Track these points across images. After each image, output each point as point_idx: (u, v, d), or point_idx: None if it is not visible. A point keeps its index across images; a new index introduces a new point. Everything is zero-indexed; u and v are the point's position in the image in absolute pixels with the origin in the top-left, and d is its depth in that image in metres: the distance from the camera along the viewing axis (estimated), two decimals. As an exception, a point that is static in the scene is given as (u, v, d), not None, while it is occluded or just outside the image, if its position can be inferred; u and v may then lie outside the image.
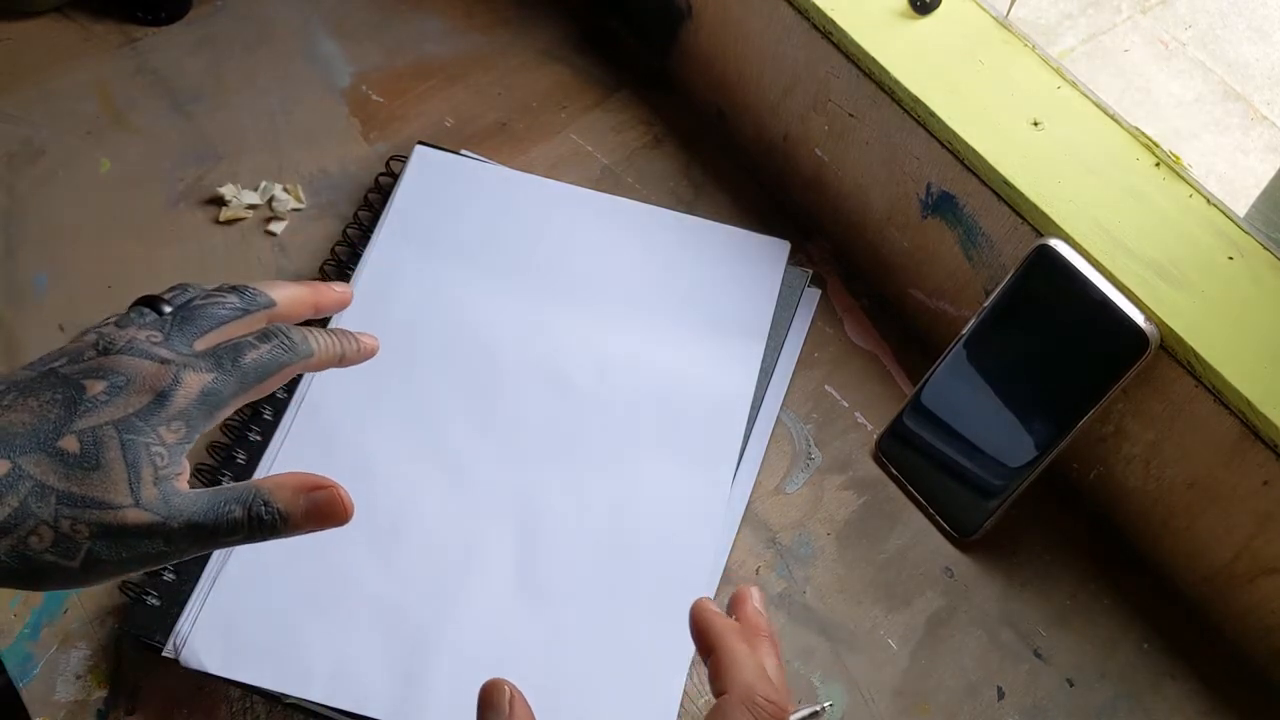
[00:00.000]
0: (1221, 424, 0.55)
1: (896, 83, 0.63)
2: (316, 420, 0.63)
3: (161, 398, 0.40)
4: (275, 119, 0.78)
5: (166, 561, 0.40)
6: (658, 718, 0.57)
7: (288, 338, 0.44)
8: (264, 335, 0.44)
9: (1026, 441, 0.61)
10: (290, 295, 0.47)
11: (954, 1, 0.66)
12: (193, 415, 0.41)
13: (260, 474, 0.61)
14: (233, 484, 0.41)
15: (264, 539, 0.41)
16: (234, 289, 0.46)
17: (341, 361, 0.47)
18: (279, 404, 0.64)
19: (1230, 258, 0.58)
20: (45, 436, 0.39)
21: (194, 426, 0.41)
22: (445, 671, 0.57)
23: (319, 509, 0.42)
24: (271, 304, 0.46)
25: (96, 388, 0.40)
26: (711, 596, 0.61)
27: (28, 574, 0.38)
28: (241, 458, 0.62)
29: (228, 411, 0.42)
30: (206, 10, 0.84)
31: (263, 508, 0.41)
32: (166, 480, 0.40)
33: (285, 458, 0.62)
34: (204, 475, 0.61)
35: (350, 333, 0.47)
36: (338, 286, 0.49)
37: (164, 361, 0.41)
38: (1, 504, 0.37)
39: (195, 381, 0.41)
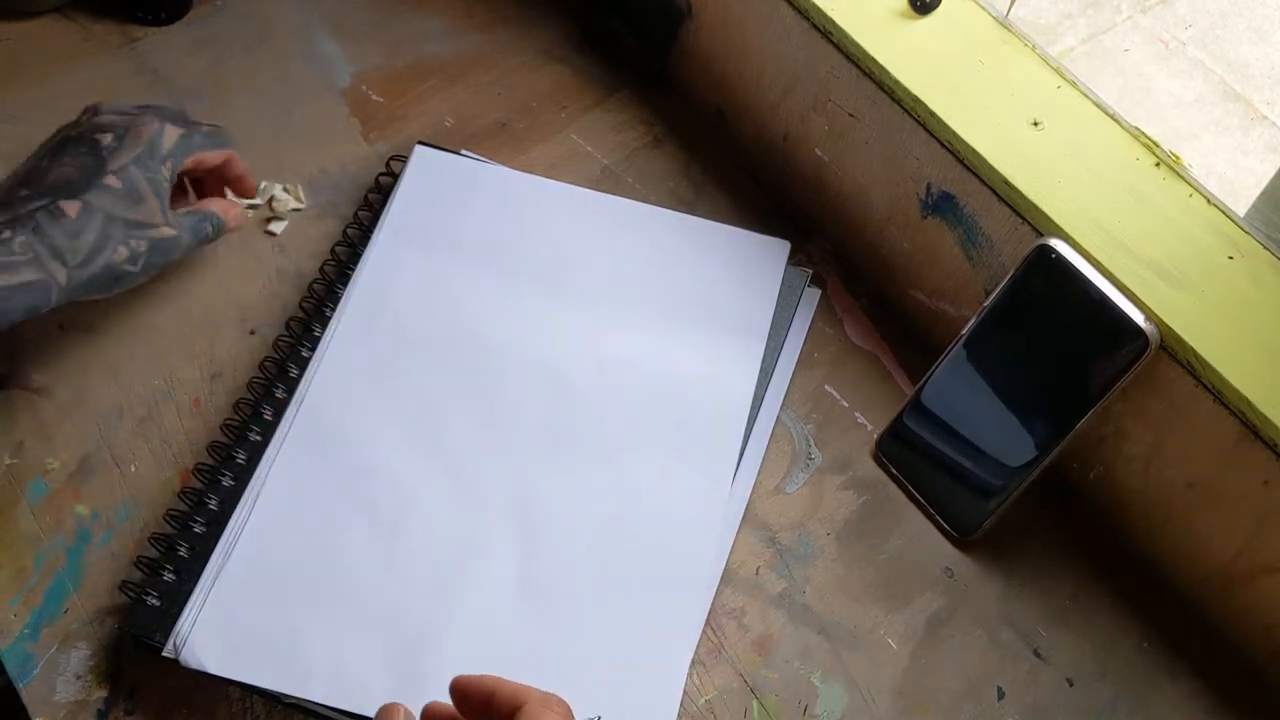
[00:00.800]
0: (1221, 424, 0.55)
1: (896, 83, 0.63)
2: (316, 420, 0.63)
3: (153, 142, 0.60)
4: (275, 119, 0.78)
5: (168, 259, 0.61)
6: (658, 718, 0.57)
7: (221, 131, 0.65)
8: (210, 128, 0.64)
9: (1026, 441, 0.61)
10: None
11: (954, 1, 0.66)
12: (177, 156, 0.61)
13: (260, 474, 0.61)
14: (199, 210, 0.63)
15: (217, 236, 0.64)
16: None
17: (245, 178, 0.68)
18: (279, 404, 0.64)
19: (1230, 258, 0.58)
20: (93, 177, 0.57)
21: (177, 166, 0.61)
22: (445, 671, 0.56)
23: (241, 219, 0.68)
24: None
25: (106, 139, 0.59)
26: (711, 596, 0.61)
27: (111, 280, 0.58)
28: (241, 458, 0.62)
29: (188, 165, 0.62)
30: (206, 10, 0.84)
31: (215, 218, 0.64)
32: (169, 207, 0.60)
33: (285, 458, 0.62)
34: (204, 475, 0.61)
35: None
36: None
37: (142, 111, 0.61)
38: (88, 230, 0.56)
39: (173, 131, 0.61)
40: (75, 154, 0.58)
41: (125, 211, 0.57)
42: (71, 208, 0.56)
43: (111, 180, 0.57)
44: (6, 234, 0.54)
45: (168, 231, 0.60)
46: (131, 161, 0.58)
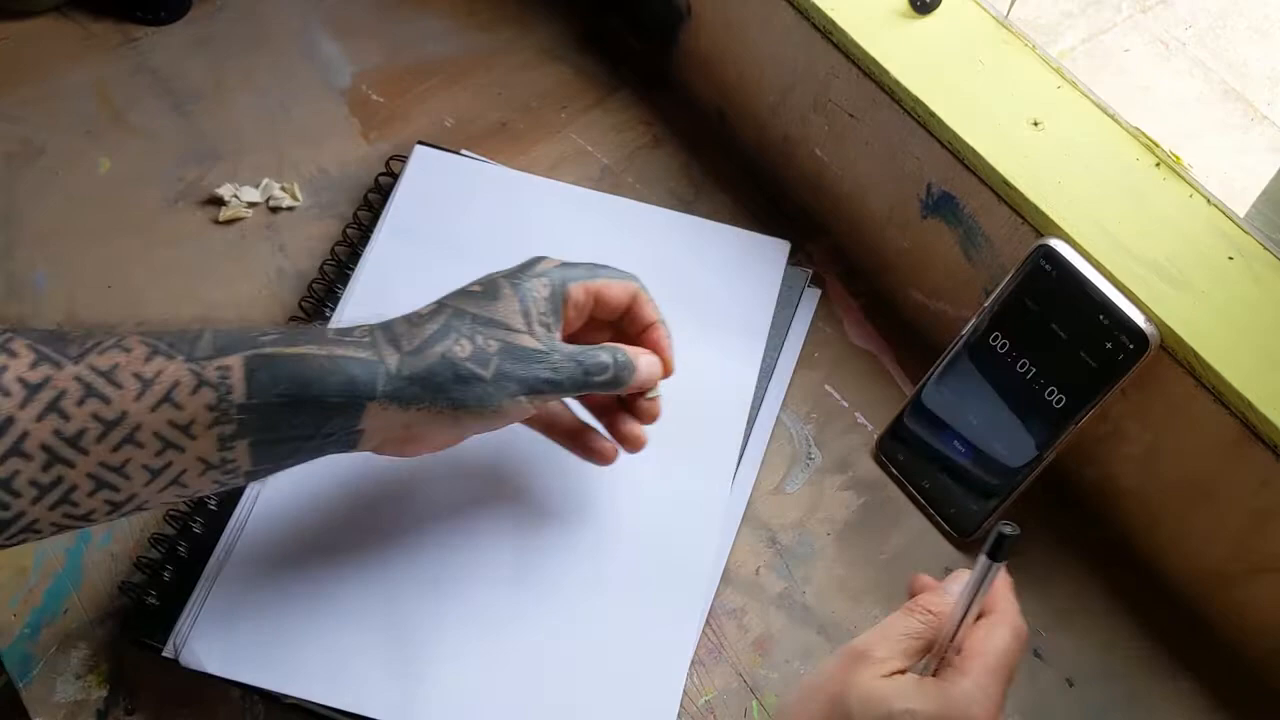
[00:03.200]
0: (1221, 424, 0.55)
1: (896, 83, 0.63)
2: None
3: (531, 261, 0.54)
4: (275, 119, 0.78)
5: (548, 390, 0.51)
6: (658, 718, 0.57)
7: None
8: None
9: (1026, 441, 0.61)
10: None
11: (954, 1, 0.66)
12: (555, 278, 0.53)
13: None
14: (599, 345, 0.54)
15: (616, 386, 0.53)
16: None
17: (653, 330, 0.57)
18: (279, 404, 0.64)
19: (1230, 258, 0.58)
20: (460, 288, 0.53)
21: (555, 293, 0.52)
22: (445, 671, 0.57)
23: (654, 370, 0.55)
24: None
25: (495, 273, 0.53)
26: (711, 596, 0.61)
27: (454, 379, 0.49)
28: (241, 458, 0.62)
29: (579, 298, 0.53)
30: (206, 10, 0.84)
31: (621, 355, 0.53)
32: (548, 328, 0.52)
33: (285, 458, 0.62)
34: (204, 475, 0.61)
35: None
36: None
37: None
38: (434, 320, 0.50)
39: (553, 260, 0.54)
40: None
41: (476, 307, 0.51)
42: (428, 307, 0.52)
43: (474, 286, 0.53)
44: (360, 330, 0.50)
45: (528, 341, 0.51)
46: (501, 274, 0.53)
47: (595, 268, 0.54)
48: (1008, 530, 0.43)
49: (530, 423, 0.57)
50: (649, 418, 0.57)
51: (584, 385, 0.52)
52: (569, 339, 0.54)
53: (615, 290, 0.55)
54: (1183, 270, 0.57)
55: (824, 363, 0.71)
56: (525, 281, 0.52)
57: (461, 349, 0.49)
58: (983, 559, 0.44)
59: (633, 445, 0.57)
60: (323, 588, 0.59)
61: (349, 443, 0.49)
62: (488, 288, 0.52)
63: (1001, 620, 0.46)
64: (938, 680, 0.44)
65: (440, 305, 0.51)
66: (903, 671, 0.44)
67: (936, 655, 0.46)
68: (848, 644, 0.45)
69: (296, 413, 0.46)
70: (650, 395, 0.57)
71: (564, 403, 0.58)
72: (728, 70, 0.77)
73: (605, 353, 0.53)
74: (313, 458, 0.48)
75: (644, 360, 0.54)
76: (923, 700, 0.42)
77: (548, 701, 0.57)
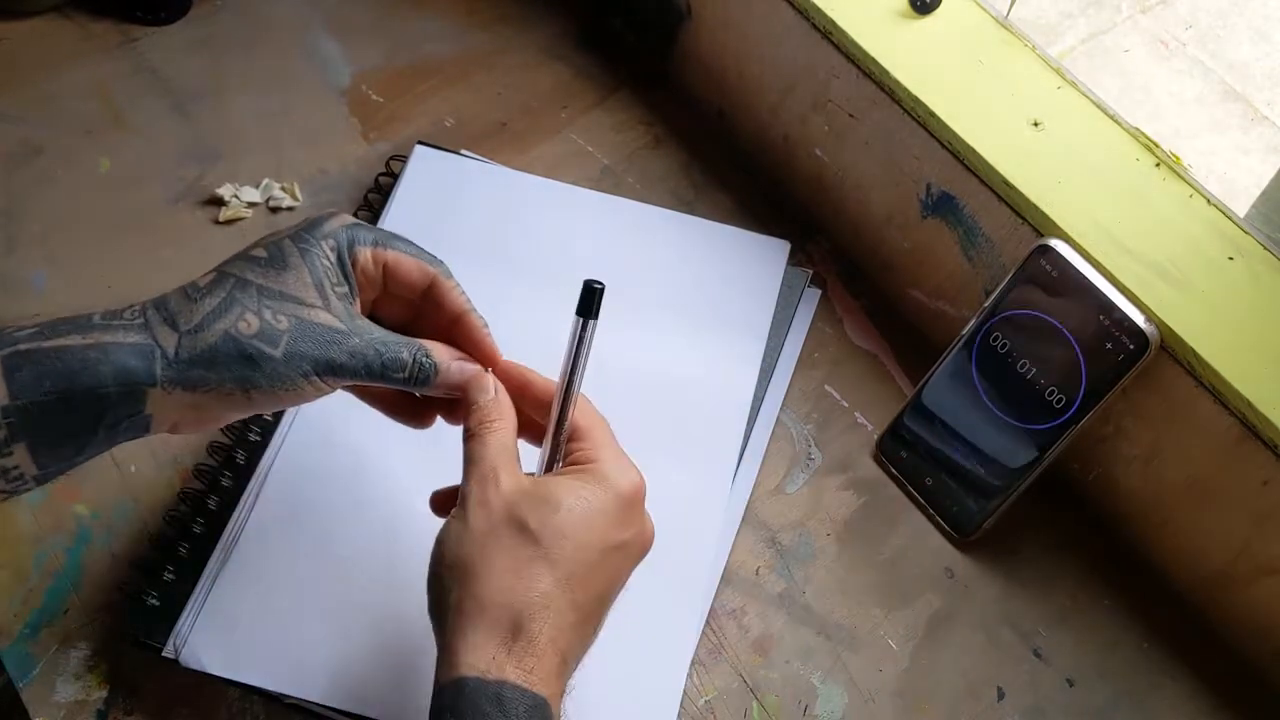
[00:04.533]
0: (1221, 424, 0.55)
1: (896, 83, 0.63)
2: (316, 421, 0.63)
3: (315, 220, 0.48)
4: (275, 119, 0.78)
5: (344, 375, 0.46)
6: (658, 718, 0.57)
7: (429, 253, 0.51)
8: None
9: (1026, 441, 0.61)
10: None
11: (954, 1, 0.66)
12: (341, 239, 0.47)
13: (259, 474, 0.61)
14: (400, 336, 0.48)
15: (415, 387, 0.48)
16: None
17: (464, 319, 0.51)
18: (279, 404, 0.64)
19: (1230, 258, 0.58)
20: (241, 251, 0.47)
21: (342, 256, 0.47)
22: (445, 671, 0.57)
23: (465, 380, 0.50)
24: None
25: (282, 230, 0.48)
26: (711, 596, 0.61)
27: (240, 359, 0.44)
28: (241, 457, 0.62)
29: (366, 264, 0.48)
30: (206, 10, 0.84)
31: (424, 361, 0.48)
32: (344, 298, 0.47)
33: (285, 458, 0.62)
34: (204, 475, 0.61)
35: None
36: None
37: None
38: (213, 295, 0.45)
39: (349, 218, 0.49)
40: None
41: (262, 277, 0.45)
42: (205, 277, 0.46)
43: (256, 250, 0.47)
44: (129, 311, 0.45)
45: (325, 317, 0.46)
46: (285, 234, 0.47)
47: (392, 237, 0.49)
48: (598, 285, 0.46)
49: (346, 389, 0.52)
50: (453, 417, 0.52)
51: (380, 378, 0.47)
52: (374, 307, 0.50)
53: (408, 266, 0.49)
54: (1183, 270, 0.57)
55: (824, 363, 0.71)
56: (313, 246, 0.47)
57: (247, 325, 0.44)
58: (574, 319, 0.46)
59: (418, 421, 0.53)
60: (323, 588, 0.58)
61: (140, 429, 0.45)
62: (273, 253, 0.46)
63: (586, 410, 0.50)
64: (580, 467, 0.48)
65: (221, 274, 0.46)
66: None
67: (551, 440, 0.49)
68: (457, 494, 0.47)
69: (70, 409, 0.42)
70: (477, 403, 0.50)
71: None
72: (728, 70, 0.77)
73: (407, 350, 0.48)
74: (106, 448, 0.45)
75: (455, 366, 0.49)
76: (587, 488, 0.46)
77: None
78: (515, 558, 0.44)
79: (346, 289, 0.47)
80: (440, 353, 0.49)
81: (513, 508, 0.45)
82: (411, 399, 0.53)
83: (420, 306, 0.51)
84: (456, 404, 0.51)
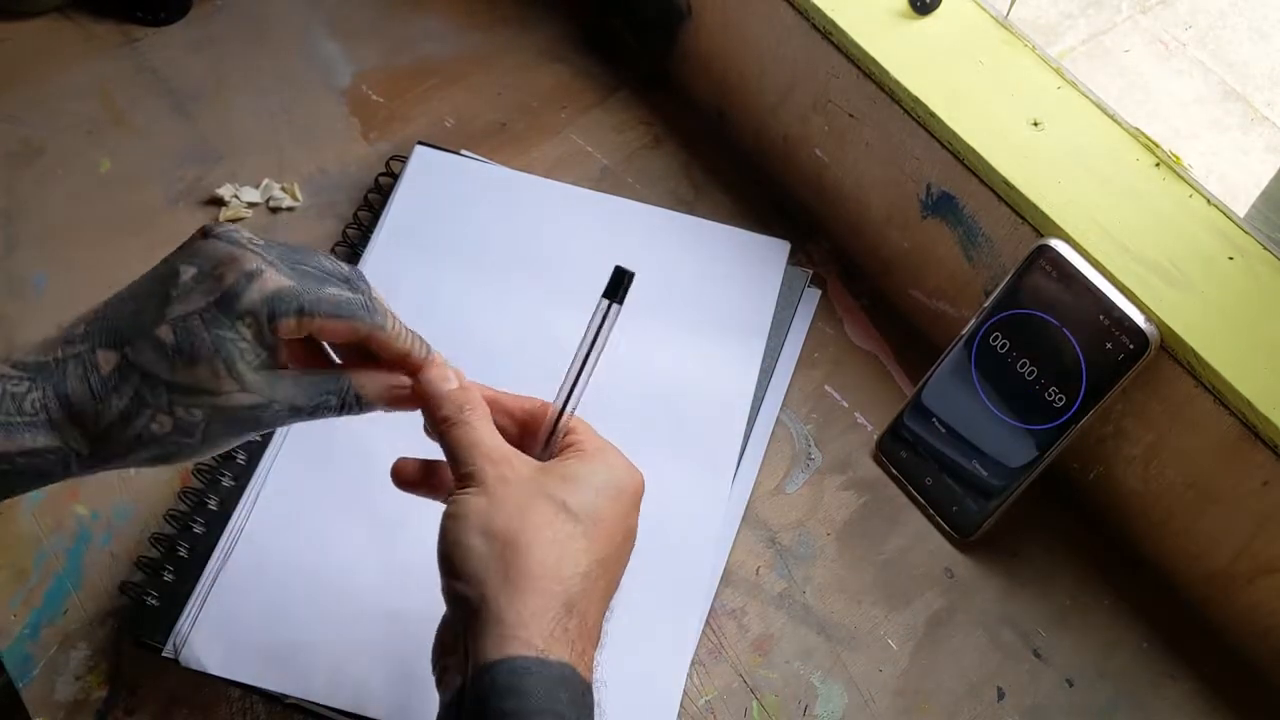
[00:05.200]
0: (1221, 424, 0.55)
1: (896, 83, 0.63)
2: (317, 421, 0.63)
3: (232, 291, 0.43)
4: (275, 119, 0.78)
5: (266, 428, 0.45)
6: (658, 718, 0.57)
7: (370, 298, 0.46)
8: (351, 285, 0.46)
9: (1026, 441, 0.61)
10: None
11: (954, 1, 0.66)
12: (261, 313, 0.43)
13: (260, 474, 0.61)
14: (325, 372, 0.46)
15: (353, 413, 0.47)
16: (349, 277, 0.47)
17: (406, 360, 0.48)
18: (279, 404, 0.64)
19: (1230, 258, 0.58)
20: (145, 325, 0.43)
21: (263, 330, 0.43)
22: (445, 671, 0.57)
23: (397, 400, 0.48)
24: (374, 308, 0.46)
25: (188, 273, 0.43)
26: (711, 596, 0.61)
27: (159, 452, 0.43)
28: (241, 458, 0.62)
29: (290, 330, 0.44)
30: (206, 10, 0.84)
31: (354, 400, 0.47)
32: (265, 368, 0.44)
33: (285, 457, 0.62)
34: (204, 475, 0.61)
35: (424, 341, 0.49)
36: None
37: (246, 252, 0.44)
38: (120, 395, 0.42)
39: (272, 280, 0.43)
40: (149, 285, 0.44)
41: (170, 373, 0.42)
42: (108, 361, 0.42)
43: (163, 332, 0.42)
44: (23, 387, 0.42)
45: (242, 399, 0.43)
46: (197, 312, 0.43)
47: (319, 299, 0.44)
48: (629, 271, 0.44)
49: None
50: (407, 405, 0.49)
51: (311, 418, 0.46)
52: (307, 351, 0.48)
53: (335, 330, 0.45)
54: (1183, 270, 0.57)
55: (824, 363, 0.71)
56: (227, 330, 0.42)
57: (160, 425, 0.42)
58: (601, 301, 0.45)
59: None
60: (322, 588, 0.58)
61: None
62: (182, 342, 0.42)
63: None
64: (590, 454, 0.47)
65: (127, 367, 0.42)
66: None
67: (554, 422, 0.48)
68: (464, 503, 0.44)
69: None
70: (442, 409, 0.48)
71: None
72: (728, 70, 0.77)
73: (332, 386, 0.46)
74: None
75: (376, 386, 0.47)
76: (610, 473, 0.46)
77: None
78: (555, 533, 0.43)
79: (265, 356, 0.44)
80: (363, 380, 0.47)
81: (541, 484, 0.44)
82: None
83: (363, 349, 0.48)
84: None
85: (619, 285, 0.45)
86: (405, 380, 0.48)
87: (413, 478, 0.51)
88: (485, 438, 0.46)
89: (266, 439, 0.62)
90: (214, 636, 0.56)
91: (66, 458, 0.42)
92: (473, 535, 0.43)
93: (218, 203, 0.74)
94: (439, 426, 0.47)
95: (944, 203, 0.65)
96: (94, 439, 0.42)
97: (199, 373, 0.42)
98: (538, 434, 0.49)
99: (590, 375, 0.48)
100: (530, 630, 0.40)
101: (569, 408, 0.48)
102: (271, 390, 0.44)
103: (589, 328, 0.46)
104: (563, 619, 0.41)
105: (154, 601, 0.57)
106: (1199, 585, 0.62)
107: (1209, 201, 0.59)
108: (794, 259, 0.72)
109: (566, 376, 0.48)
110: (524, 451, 0.47)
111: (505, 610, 0.41)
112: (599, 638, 0.44)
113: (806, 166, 0.75)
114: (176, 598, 0.57)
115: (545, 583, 0.42)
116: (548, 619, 0.41)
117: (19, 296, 0.69)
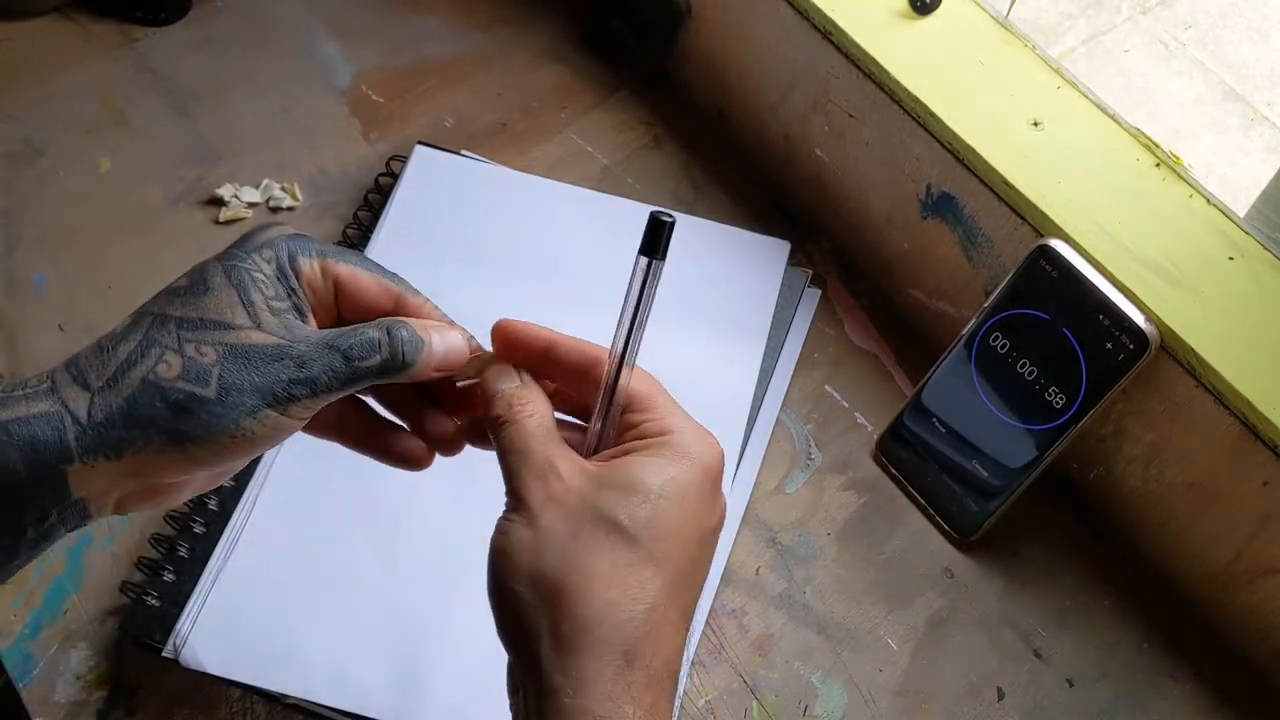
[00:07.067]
0: (1221, 424, 0.55)
1: (896, 83, 0.63)
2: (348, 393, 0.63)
3: (249, 234, 0.41)
4: (275, 119, 0.78)
5: (299, 394, 0.38)
6: (658, 718, 0.57)
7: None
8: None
9: (1026, 441, 0.61)
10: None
11: (954, 1, 0.66)
12: (280, 250, 0.40)
13: (260, 474, 0.61)
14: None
15: (399, 370, 0.40)
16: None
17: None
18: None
19: (1230, 258, 0.58)
20: (165, 284, 0.40)
21: (284, 268, 0.40)
22: (445, 671, 0.57)
23: (450, 363, 0.42)
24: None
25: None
26: (711, 597, 0.61)
27: (168, 409, 0.37)
28: (241, 458, 0.62)
29: (313, 276, 0.41)
30: (206, 10, 0.84)
31: (401, 330, 0.40)
32: (284, 313, 0.39)
33: (285, 457, 0.62)
34: (204, 475, 0.61)
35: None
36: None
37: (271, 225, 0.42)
38: (128, 340, 0.38)
39: (284, 226, 0.41)
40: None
41: (180, 308, 0.38)
42: (123, 321, 0.39)
43: (180, 280, 0.40)
44: (35, 378, 0.38)
45: (258, 337, 0.38)
46: (214, 258, 0.40)
47: (344, 251, 0.42)
48: (669, 218, 0.37)
49: (312, 430, 0.44)
50: (463, 411, 0.45)
51: (353, 377, 0.39)
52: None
53: (365, 283, 0.42)
54: (1183, 270, 0.57)
55: (824, 363, 0.71)
56: (243, 261, 0.39)
57: (168, 367, 0.37)
58: (637, 258, 0.38)
59: (445, 447, 0.45)
60: (322, 587, 0.59)
61: (79, 517, 0.38)
62: (195, 279, 0.39)
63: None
64: (654, 440, 0.40)
65: (139, 315, 0.39)
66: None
67: (603, 409, 0.42)
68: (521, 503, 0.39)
69: None
70: (461, 381, 0.43)
71: (354, 399, 0.45)
72: (728, 70, 0.77)
73: (376, 329, 0.40)
74: (46, 547, 0.38)
75: (438, 337, 0.41)
76: (673, 465, 0.39)
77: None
78: (613, 564, 0.37)
79: (289, 304, 0.40)
80: (418, 324, 0.41)
81: (591, 502, 0.38)
82: (401, 431, 0.45)
83: None
84: (458, 398, 0.45)
85: (658, 237, 0.38)
86: (464, 344, 0.43)
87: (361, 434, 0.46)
88: (534, 440, 0.40)
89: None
90: (214, 636, 0.56)
91: (60, 420, 0.36)
92: (520, 581, 0.39)
93: (218, 203, 0.74)
94: (490, 428, 0.42)
95: (944, 203, 0.65)
96: (96, 393, 0.37)
97: (207, 303, 0.38)
98: (593, 403, 0.43)
99: (637, 348, 0.41)
100: (588, 697, 0.36)
101: (616, 396, 0.42)
102: (290, 332, 0.39)
103: (628, 294, 0.40)
104: (623, 674, 0.36)
105: (154, 601, 0.57)
106: (1199, 585, 0.62)
107: (1209, 201, 0.59)
108: (794, 259, 0.72)
109: (609, 356, 0.42)
110: (584, 417, 0.43)
111: (555, 674, 0.37)
112: (676, 674, 0.39)
113: (806, 166, 0.75)
114: (177, 598, 0.57)
115: (600, 633, 0.37)
116: (605, 679, 0.36)
117: (19, 296, 0.69)
